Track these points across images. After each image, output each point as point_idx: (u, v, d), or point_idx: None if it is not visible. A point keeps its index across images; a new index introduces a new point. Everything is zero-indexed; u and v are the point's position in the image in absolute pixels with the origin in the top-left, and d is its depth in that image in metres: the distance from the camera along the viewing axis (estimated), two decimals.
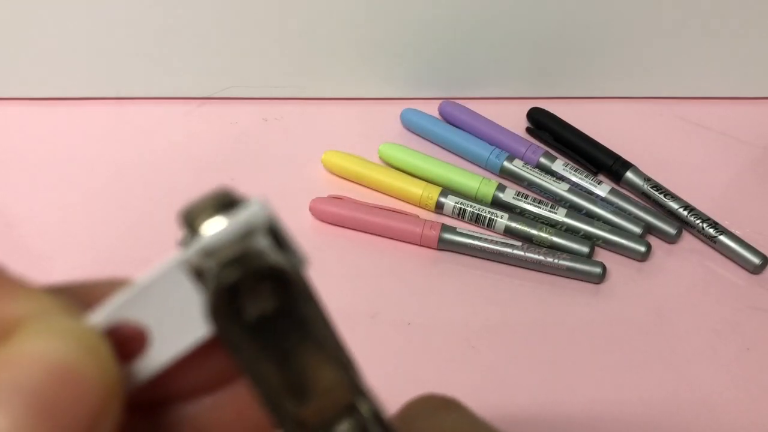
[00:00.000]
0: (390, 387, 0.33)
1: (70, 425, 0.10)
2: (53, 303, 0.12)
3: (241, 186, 0.45)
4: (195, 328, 0.13)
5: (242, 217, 0.13)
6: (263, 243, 0.13)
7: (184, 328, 0.13)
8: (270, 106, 0.45)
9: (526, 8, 0.41)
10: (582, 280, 0.37)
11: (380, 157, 0.42)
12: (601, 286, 0.37)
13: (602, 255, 0.38)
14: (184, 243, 0.13)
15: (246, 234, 0.13)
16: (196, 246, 0.13)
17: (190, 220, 0.13)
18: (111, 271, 0.39)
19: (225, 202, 0.13)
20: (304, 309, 0.13)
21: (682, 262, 0.38)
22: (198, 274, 0.13)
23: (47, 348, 0.11)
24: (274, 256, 0.13)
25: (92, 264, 0.37)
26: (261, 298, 0.13)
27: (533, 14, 0.41)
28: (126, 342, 0.13)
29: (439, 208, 0.40)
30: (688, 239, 0.39)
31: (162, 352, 0.13)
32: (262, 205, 0.14)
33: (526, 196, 0.39)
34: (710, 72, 0.45)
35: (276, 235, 0.14)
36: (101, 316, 0.13)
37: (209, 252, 0.13)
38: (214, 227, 0.13)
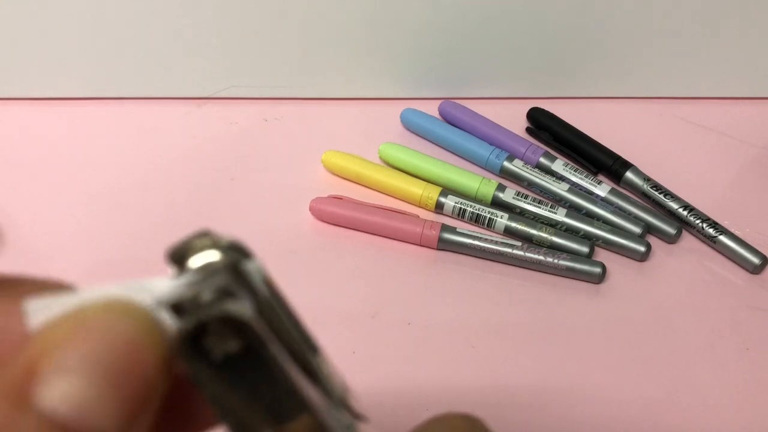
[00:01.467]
0: (390, 387, 0.33)
1: (135, 392, 0.12)
2: (116, 291, 0.13)
3: (241, 186, 0.46)
4: None
5: (202, 265, 0.14)
6: (221, 289, 0.14)
7: None
8: (270, 106, 0.45)
9: (525, 8, 0.41)
10: (582, 280, 0.37)
11: (380, 157, 0.42)
12: (601, 286, 0.37)
13: (602, 255, 0.38)
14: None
15: (204, 281, 0.14)
16: (161, 292, 0.14)
17: (174, 260, 0.15)
18: (111, 272, 0.39)
19: (200, 247, 0.14)
20: (263, 352, 0.14)
21: (681, 262, 0.38)
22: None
23: (116, 325, 0.12)
24: (227, 305, 0.13)
25: (92, 264, 0.37)
26: (224, 340, 0.13)
27: (533, 14, 0.41)
28: None
29: (439, 208, 0.40)
30: (687, 239, 0.39)
31: None
32: (225, 252, 0.14)
33: (526, 196, 0.39)
34: (710, 72, 0.45)
35: (241, 277, 0.14)
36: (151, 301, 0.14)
37: (168, 301, 0.13)
38: (176, 275, 0.14)
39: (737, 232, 0.38)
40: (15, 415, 0.11)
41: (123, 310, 0.13)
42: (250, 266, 0.15)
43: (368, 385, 0.33)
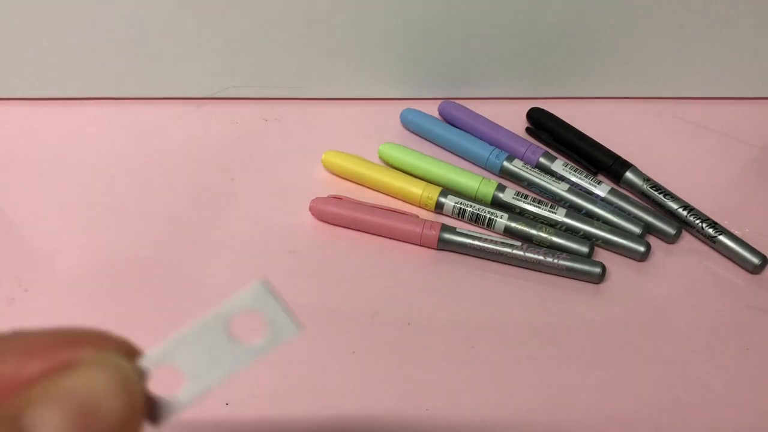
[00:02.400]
0: (390, 386, 0.33)
1: (99, 429, 0.15)
2: (115, 344, 0.17)
3: (241, 186, 0.46)
4: (219, 371, 0.18)
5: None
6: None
7: (209, 371, 0.18)
8: (270, 106, 0.45)
9: (525, 8, 0.41)
10: (582, 280, 0.37)
11: (380, 157, 0.42)
12: (601, 286, 0.37)
13: (602, 255, 0.38)
14: None
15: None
16: None
17: None
18: (111, 272, 0.39)
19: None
20: None
21: (681, 262, 0.38)
22: None
23: (96, 376, 0.16)
24: None
25: (92, 263, 0.37)
26: None
27: (533, 15, 0.41)
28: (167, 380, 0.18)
29: (438, 208, 0.40)
30: (687, 239, 0.39)
31: (190, 390, 0.18)
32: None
33: (526, 196, 0.39)
34: (710, 72, 0.45)
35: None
36: (148, 359, 0.17)
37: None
38: None
39: (737, 232, 0.38)
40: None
41: (107, 367, 0.16)
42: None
43: (368, 385, 0.33)
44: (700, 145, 0.44)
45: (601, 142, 0.42)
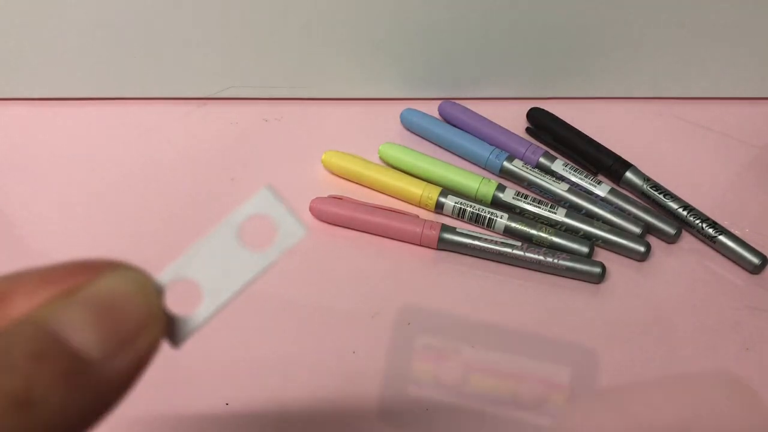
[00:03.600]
0: (390, 386, 0.33)
1: (120, 328, 0.16)
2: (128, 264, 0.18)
3: (241, 186, 0.45)
4: (234, 282, 0.18)
5: None
6: None
7: (224, 282, 0.18)
8: (270, 106, 0.45)
9: (526, 8, 0.41)
10: (582, 280, 0.37)
11: (380, 157, 0.42)
12: (601, 286, 0.37)
13: (602, 255, 0.38)
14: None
15: None
16: None
17: None
18: None
19: None
20: None
21: (681, 262, 0.38)
22: None
23: (115, 281, 0.17)
24: None
25: None
26: None
27: (533, 14, 0.41)
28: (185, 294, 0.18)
29: (438, 208, 0.40)
30: (687, 239, 0.39)
31: (207, 306, 0.18)
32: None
33: (526, 196, 0.39)
34: (710, 72, 0.45)
35: None
36: (165, 275, 0.18)
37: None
38: None
39: (737, 232, 0.38)
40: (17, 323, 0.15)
41: (125, 275, 0.17)
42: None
43: (368, 385, 0.33)
44: (700, 145, 0.44)
45: (601, 142, 0.42)
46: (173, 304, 0.18)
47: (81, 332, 0.15)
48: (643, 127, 0.45)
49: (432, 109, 0.44)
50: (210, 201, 0.40)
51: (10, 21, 0.41)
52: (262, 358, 0.35)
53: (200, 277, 0.18)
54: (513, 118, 0.44)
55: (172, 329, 0.18)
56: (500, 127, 0.43)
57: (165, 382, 0.32)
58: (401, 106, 0.44)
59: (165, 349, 0.17)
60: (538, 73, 0.45)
